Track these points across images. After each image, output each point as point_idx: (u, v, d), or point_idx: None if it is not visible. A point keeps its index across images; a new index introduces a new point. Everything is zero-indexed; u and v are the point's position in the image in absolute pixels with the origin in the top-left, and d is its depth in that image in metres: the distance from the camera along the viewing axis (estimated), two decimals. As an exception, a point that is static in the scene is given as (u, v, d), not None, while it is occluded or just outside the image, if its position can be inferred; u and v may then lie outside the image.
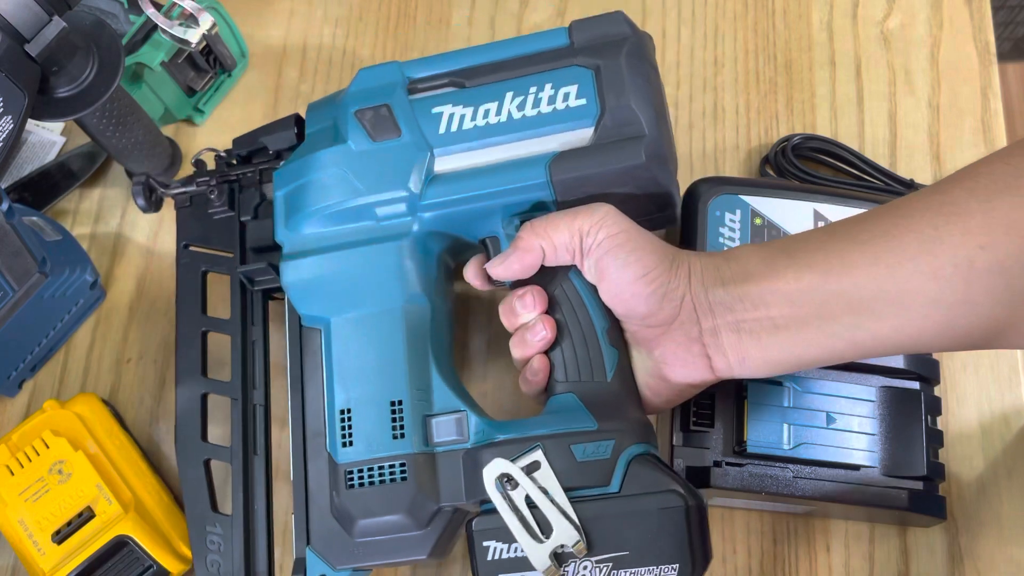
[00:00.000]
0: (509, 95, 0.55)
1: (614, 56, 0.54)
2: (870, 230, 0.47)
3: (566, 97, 0.54)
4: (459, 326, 0.68)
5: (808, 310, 0.48)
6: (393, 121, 0.56)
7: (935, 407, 0.59)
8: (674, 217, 0.58)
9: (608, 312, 0.53)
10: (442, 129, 0.55)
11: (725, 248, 0.60)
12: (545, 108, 0.54)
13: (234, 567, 0.59)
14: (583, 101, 0.54)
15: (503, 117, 0.55)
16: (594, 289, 0.53)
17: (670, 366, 0.52)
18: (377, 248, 0.56)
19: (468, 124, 0.55)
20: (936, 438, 0.58)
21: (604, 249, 0.51)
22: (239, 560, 0.59)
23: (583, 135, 0.54)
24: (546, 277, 0.54)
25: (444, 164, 0.55)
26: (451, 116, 0.55)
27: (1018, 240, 0.43)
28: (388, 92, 0.56)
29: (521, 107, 0.55)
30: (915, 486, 0.57)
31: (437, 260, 0.58)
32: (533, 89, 0.55)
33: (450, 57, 0.57)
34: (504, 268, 0.54)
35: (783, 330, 0.49)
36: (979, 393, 0.65)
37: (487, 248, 0.57)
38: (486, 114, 0.55)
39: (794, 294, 0.48)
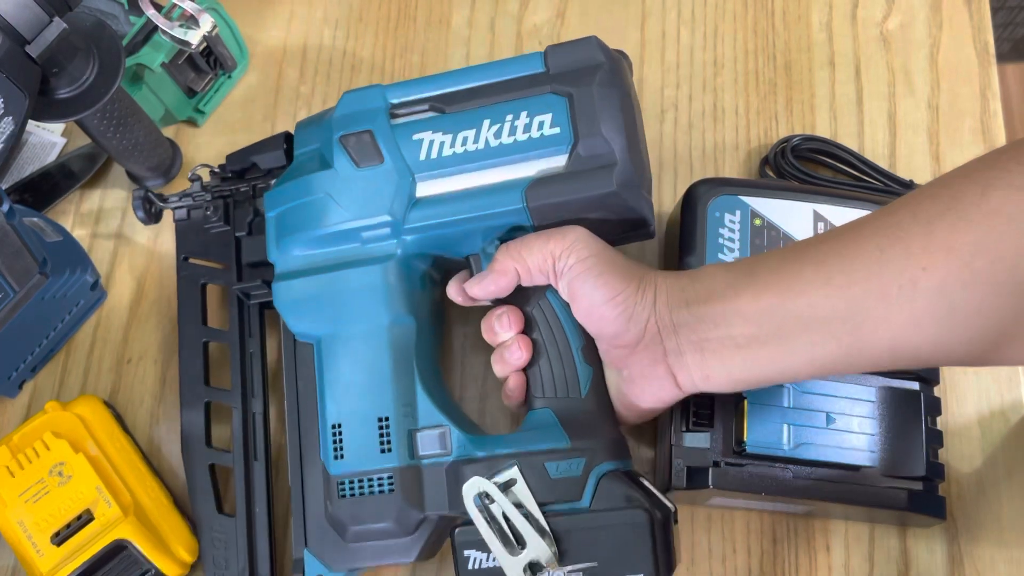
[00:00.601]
0: (486, 123, 0.56)
1: (587, 84, 0.55)
2: (825, 252, 0.48)
3: (541, 125, 0.56)
4: (461, 326, 0.68)
5: (767, 329, 0.49)
6: (376, 147, 0.58)
7: (935, 407, 0.59)
8: (651, 233, 0.60)
9: (584, 330, 0.56)
10: (423, 155, 0.57)
11: (724, 248, 0.60)
12: (521, 136, 0.56)
13: (239, 565, 0.61)
14: (557, 130, 0.55)
15: (480, 144, 0.56)
16: (570, 307, 0.56)
17: (637, 384, 0.54)
18: (363, 270, 0.58)
19: (447, 151, 0.57)
20: (936, 438, 0.58)
21: (575, 273, 0.53)
22: (243, 559, 0.61)
23: (558, 162, 0.56)
24: (524, 295, 0.57)
25: (425, 189, 0.57)
26: (431, 143, 0.57)
27: (956, 262, 0.44)
28: (371, 117, 0.58)
29: (498, 135, 0.56)
30: (915, 486, 0.57)
31: (422, 278, 0.60)
32: (509, 117, 0.56)
33: (430, 81, 0.59)
34: (480, 289, 0.56)
35: (744, 348, 0.50)
36: (979, 393, 0.66)
37: (471, 267, 0.59)
38: (464, 141, 0.57)
39: (753, 314, 0.49)
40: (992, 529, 0.63)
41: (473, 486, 0.54)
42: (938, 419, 0.59)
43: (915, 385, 0.59)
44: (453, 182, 0.57)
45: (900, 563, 0.62)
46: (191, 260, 0.67)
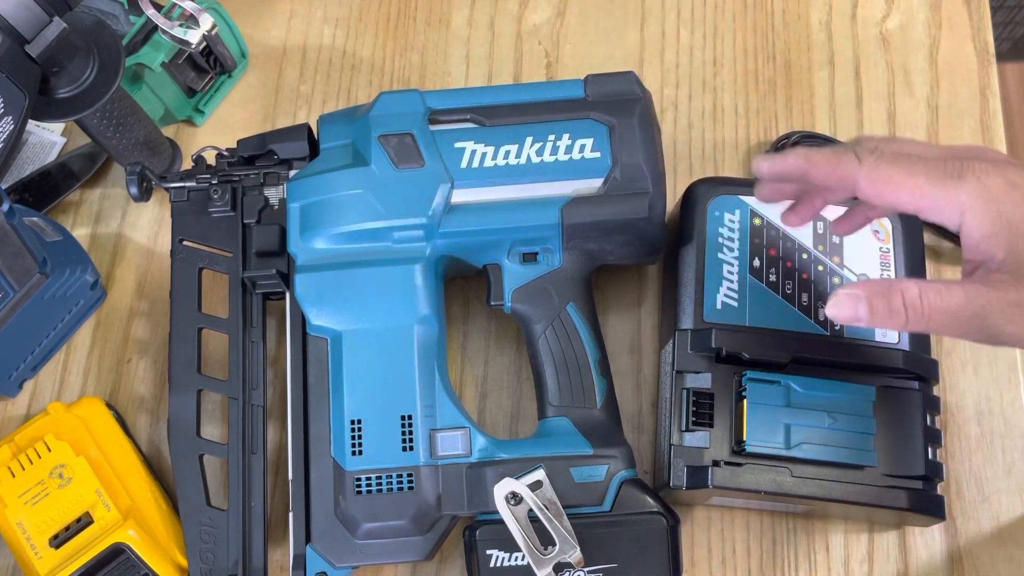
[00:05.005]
0: (529, 139, 0.60)
1: (627, 116, 0.60)
2: None
3: (582, 148, 0.59)
4: (461, 325, 0.68)
5: None
6: (417, 150, 0.59)
7: (934, 406, 0.59)
8: (657, 260, 0.64)
9: (600, 344, 0.59)
10: (464, 164, 0.59)
11: (723, 247, 0.61)
12: (562, 156, 0.59)
13: (229, 560, 0.60)
14: (597, 154, 0.59)
15: (522, 160, 0.59)
16: (589, 322, 0.59)
17: None
18: (393, 269, 0.59)
19: (489, 162, 0.59)
20: (935, 438, 0.58)
21: None
22: (236, 553, 0.60)
23: (593, 184, 0.59)
24: (545, 307, 0.59)
25: (462, 196, 0.59)
26: (473, 152, 0.59)
27: None
28: (411, 121, 0.60)
29: (540, 152, 0.59)
30: (914, 486, 0.57)
31: (441, 280, 0.61)
32: (551, 137, 0.59)
33: (470, 93, 0.62)
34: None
35: None
36: (978, 392, 0.66)
37: (488, 275, 0.61)
38: (507, 155, 0.59)
39: None
40: (991, 528, 0.63)
41: (504, 487, 0.55)
42: (937, 418, 0.59)
43: (914, 384, 0.59)
44: (491, 192, 0.59)
45: (899, 562, 0.62)
46: (187, 243, 0.64)
